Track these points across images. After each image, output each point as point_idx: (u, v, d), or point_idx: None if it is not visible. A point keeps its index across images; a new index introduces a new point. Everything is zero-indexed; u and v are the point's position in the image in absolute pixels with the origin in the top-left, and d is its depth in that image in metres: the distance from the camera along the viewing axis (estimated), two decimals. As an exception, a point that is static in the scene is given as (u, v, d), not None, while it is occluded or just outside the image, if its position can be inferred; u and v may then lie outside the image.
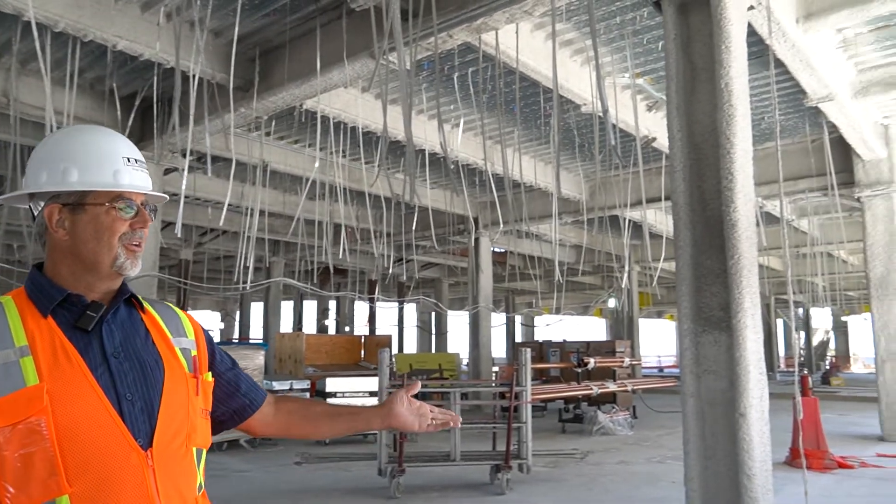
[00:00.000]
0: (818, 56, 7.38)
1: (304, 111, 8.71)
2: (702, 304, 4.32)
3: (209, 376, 1.39)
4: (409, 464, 6.67)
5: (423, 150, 10.35)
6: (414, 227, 11.31)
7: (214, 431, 1.44)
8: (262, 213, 10.92)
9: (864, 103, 9.16)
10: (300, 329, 23.45)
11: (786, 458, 7.70)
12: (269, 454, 8.82)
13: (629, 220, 12.52)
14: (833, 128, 9.53)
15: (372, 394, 8.69)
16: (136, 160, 1.33)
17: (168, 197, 1.45)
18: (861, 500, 6.26)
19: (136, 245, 1.31)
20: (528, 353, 6.94)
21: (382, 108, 6.62)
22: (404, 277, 22.40)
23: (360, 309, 27.65)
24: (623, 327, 20.92)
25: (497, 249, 19.00)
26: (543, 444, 9.26)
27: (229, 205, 7.82)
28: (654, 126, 9.61)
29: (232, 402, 1.49)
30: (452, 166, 10.11)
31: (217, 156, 10.46)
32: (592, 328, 37.16)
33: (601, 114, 4.97)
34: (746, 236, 4.31)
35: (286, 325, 24.31)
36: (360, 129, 9.24)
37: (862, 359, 37.59)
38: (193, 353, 1.37)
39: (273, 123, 10.04)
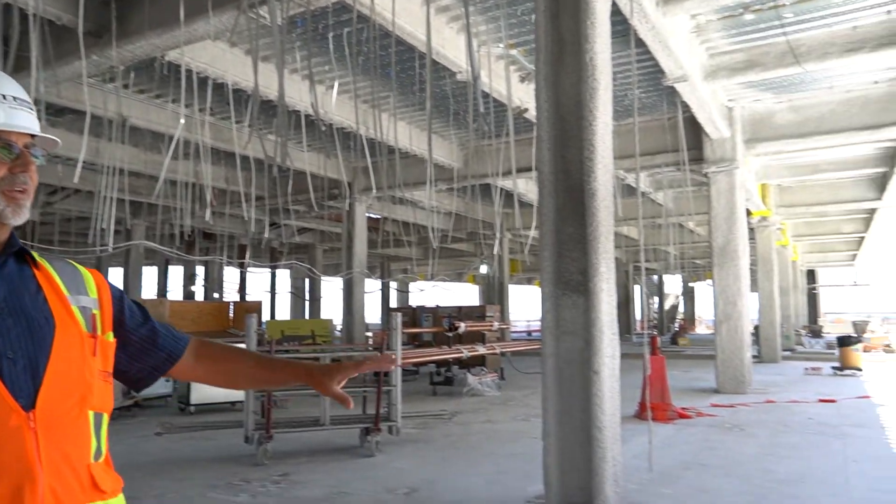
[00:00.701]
0: (675, 38, 7.88)
1: (166, 63, 8.15)
2: (562, 269, 4.56)
3: (110, 336, 1.31)
4: (278, 430, 6.59)
5: (298, 111, 10.03)
6: (287, 191, 11.00)
7: (138, 388, 1.45)
8: (120, 171, 10.17)
9: (713, 86, 9.91)
10: (165, 295, 22.27)
11: (635, 412, 8.35)
12: (127, 426, 8.38)
13: (501, 189, 12.87)
14: (687, 107, 10.24)
15: (240, 361, 8.48)
16: (14, 97, 1.22)
17: (60, 141, 1.32)
18: (695, 445, 6.95)
19: (18, 191, 1.21)
20: (398, 318, 7.02)
21: (253, 65, 6.34)
22: (279, 242, 21.82)
23: (231, 275, 26.65)
24: (494, 293, 21.64)
25: (372, 215, 18.94)
26: (414, 407, 9.47)
27: (84, 162, 7.21)
28: (527, 97, 9.88)
29: (149, 360, 1.42)
30: (325, 129, 9.89)
31: (68, 107, 9.60)
32: (466, 294, 38.13)
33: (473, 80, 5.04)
34: (605, 205, 4.58)
35: (150, 291, 22.98)
36: (230, 86, 8.79)
37: (706, 321, 41.38)
38: (94, 311, 1.28)
39: (132, 75, 9.32)
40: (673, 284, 41.19)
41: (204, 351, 1.54)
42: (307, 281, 26.11)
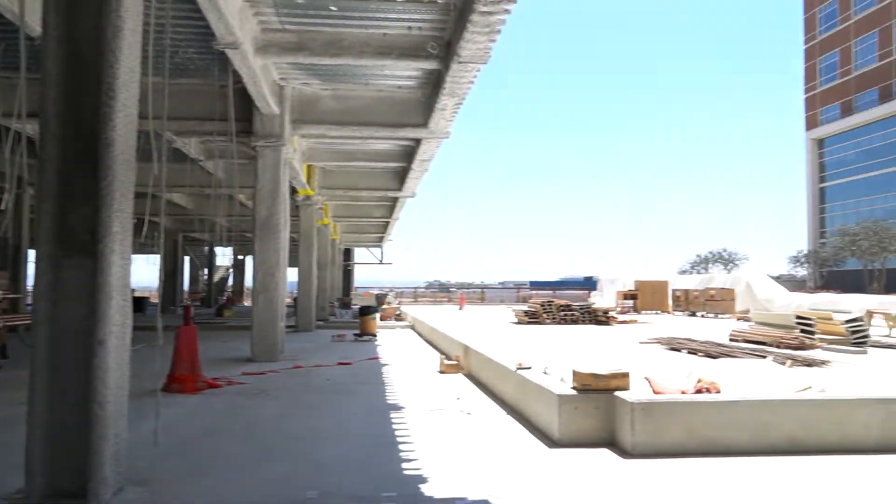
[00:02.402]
0: (227, 3, 7.71)
1: None
2: (66, 227, 3.97)
3: None
4: None
5: None
6: None
7: None
8: None
9: (265, 61, 10.07)
10: None
11: (162, 385, 7.98)
12: None
13: (17, 133, 10.78)
14: (239, 78, 10.19)
15: None
16: None
17: None
18: (220, 413, 6.99)
19: None
20: None
21: None
22: None
23: None
24: (9, 258, 18.20)
25: None
26: None
27: None
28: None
29: None
30: None
31: None
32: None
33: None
34: (123, 159, 4.15)
35: None
36: None
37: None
38: None
39: None
40: (224, 257, 41.22)
41: None
42: None
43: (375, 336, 16.73)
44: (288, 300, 15.20)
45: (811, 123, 66.47)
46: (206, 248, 38.66)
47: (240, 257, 41.95)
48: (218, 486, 4.42)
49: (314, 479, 4.58)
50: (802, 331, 13.14)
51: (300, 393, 8.29)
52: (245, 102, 11.40)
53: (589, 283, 63.79)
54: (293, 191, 17.99)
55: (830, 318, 13.49)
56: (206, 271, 40.45)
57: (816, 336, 12.97)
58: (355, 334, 16.50)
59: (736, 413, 5.40)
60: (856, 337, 12.87)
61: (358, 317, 17.54)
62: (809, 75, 66.97)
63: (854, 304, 21.67)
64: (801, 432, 5.39)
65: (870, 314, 17.46)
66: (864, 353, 12.09)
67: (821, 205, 65.11)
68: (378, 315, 18.35)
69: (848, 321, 13.17)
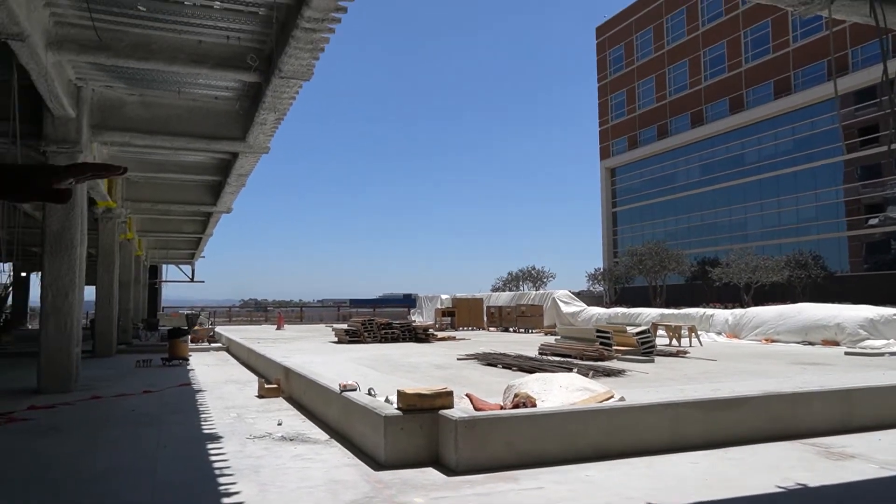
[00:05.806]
0: (14, -12, 6.85)
1: None
2: None
3: None
4: None
5: None
6: None
7: None
8: None
9: (60, 58, 9.08)
10: None
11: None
12: None
13: None
14: (26, 74, 9.07)
15: None
16: None
17: None
18: (-1, 458, 6.09)
19: None
20: None
21: None
22: None
23: None
24: None
25: None
26: None
27: None
28: None
29: None
30: None
31: None
32: None
33: None
34: None
35: None
36: None
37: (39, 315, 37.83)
38: None
39: None
40: (2, 273, 36.21)
41: None
42: None
43: (187, 360, 15.61)
44: (84, 322, 13.70)
45: (604, 154, 73.79)
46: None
47: (22, 274, 37.15)
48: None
49: (117, 525, 4.13)
50: (601, 343, 14.39)
51: (100, 427, 7.47)
52: (32, 101, 10.16)
53: (408, 301, 64.82)
54: (92, 202, 16.34)
55: (624, 331, 14.94)
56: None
57: (613, 347, 14.29)
58: (163, 359, 15.27)
59: (548, 425, 5.75)
60: (644, 347, 14.37)
61: (166, 339, 16.27)
62: (602, 111, 74.42)
63: (643, 317, 24.22)
64: (604, 439, 5.87)
65: (654, 326, 19.60)
66: (652, 361, 13.52)
67: (613, 227, 72.30)
68: (189, 337, 17.18)
69: (638, 333, 14.67)
